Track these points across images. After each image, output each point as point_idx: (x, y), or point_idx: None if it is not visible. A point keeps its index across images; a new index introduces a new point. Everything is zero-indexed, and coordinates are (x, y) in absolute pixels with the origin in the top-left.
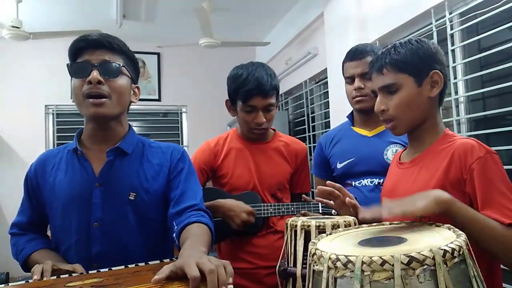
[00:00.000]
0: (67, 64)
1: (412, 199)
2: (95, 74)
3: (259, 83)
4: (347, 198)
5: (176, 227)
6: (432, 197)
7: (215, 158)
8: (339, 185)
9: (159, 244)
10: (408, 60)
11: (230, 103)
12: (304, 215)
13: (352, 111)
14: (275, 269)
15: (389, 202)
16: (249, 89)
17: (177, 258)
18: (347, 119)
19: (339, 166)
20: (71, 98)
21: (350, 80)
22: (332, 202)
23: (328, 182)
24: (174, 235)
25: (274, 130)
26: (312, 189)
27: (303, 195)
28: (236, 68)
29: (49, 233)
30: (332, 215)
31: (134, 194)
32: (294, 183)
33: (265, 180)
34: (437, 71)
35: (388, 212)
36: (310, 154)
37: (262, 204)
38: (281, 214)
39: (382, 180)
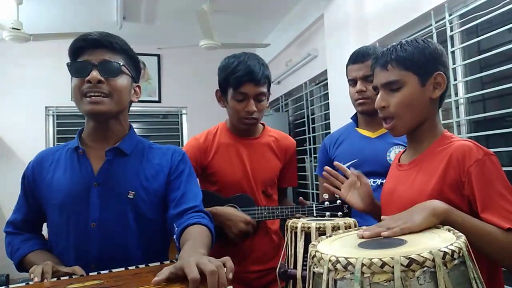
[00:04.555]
0: (67, 63)
1: (410, 214)
2: (94, 73)
3: (250, 70)
4: (351, 171)
5: (176, 228)
6: (429, 209)
7: (205, 154)
8: (344, 166)
9: (157, 245)
10: (415, 58)
11: (221, 93)
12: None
13: (356, 112)
14: (265, 272)
15: (386, 220)
16: (240, 76)
17: (177, 260)
18: (350, 120)
19: None
20: (72, 99)
21: (352, 82)
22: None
23: (335, 163)
24: (174, 236)
25: (263, 124)
26: (314, 191)
27: (300, 198)
28: (227, 57)
29: (45, 232)
30: (326, 217)
31: (133, 193)
32: (282, 178)
33: (257, 177)
34: (441, 72)
35: (386, 231)
36: (310, 155)
37: (255, 208)
38: (275, 217)
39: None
